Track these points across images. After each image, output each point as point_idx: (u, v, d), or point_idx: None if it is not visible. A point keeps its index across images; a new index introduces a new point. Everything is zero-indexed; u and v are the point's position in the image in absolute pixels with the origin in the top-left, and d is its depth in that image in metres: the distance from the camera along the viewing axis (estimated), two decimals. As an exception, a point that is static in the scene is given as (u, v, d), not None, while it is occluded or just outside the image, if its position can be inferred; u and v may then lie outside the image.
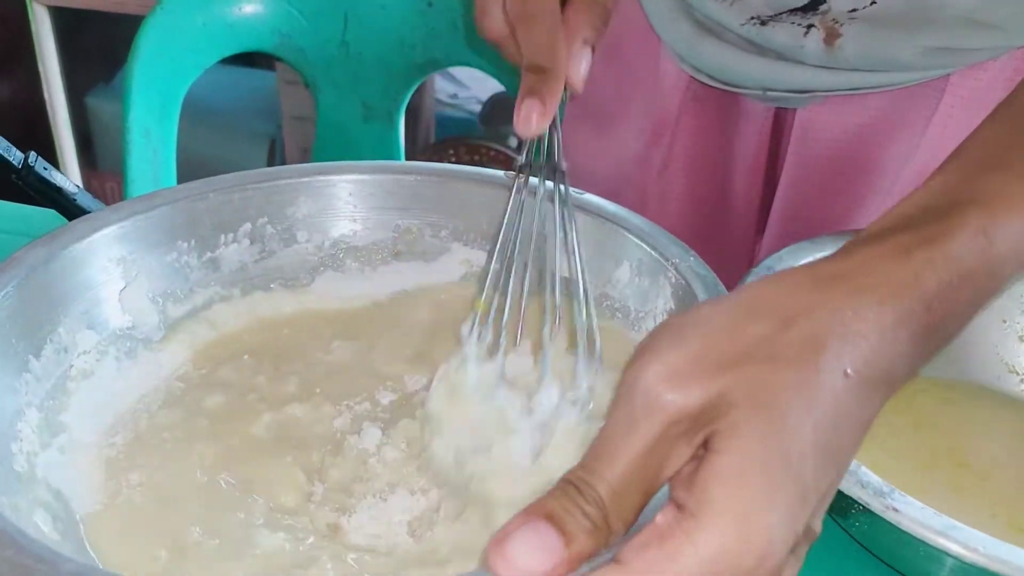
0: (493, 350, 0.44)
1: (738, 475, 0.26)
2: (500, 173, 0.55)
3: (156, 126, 1.01)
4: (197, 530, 0.41)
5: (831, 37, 0.56)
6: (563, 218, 0.47)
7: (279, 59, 1.67)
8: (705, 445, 0.26)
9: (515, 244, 0.46)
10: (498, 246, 0.47)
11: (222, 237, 0.53)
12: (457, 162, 1.69)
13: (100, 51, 1.74)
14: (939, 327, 0.29)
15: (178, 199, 0.51)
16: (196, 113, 1.04)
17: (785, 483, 0.26)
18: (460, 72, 1.92)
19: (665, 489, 0.27)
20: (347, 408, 0.48)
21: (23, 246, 0.46)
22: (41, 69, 1.63)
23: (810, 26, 0.56)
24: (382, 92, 1.04)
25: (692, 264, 0.47)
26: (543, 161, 0.48)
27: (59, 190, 0.58)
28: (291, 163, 1.69)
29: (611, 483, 0.26)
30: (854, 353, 0.27)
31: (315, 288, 0.55)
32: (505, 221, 0.47)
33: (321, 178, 0.55)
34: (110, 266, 0.49)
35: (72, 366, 0.47)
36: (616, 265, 0.51)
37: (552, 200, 0.48)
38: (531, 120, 0.44)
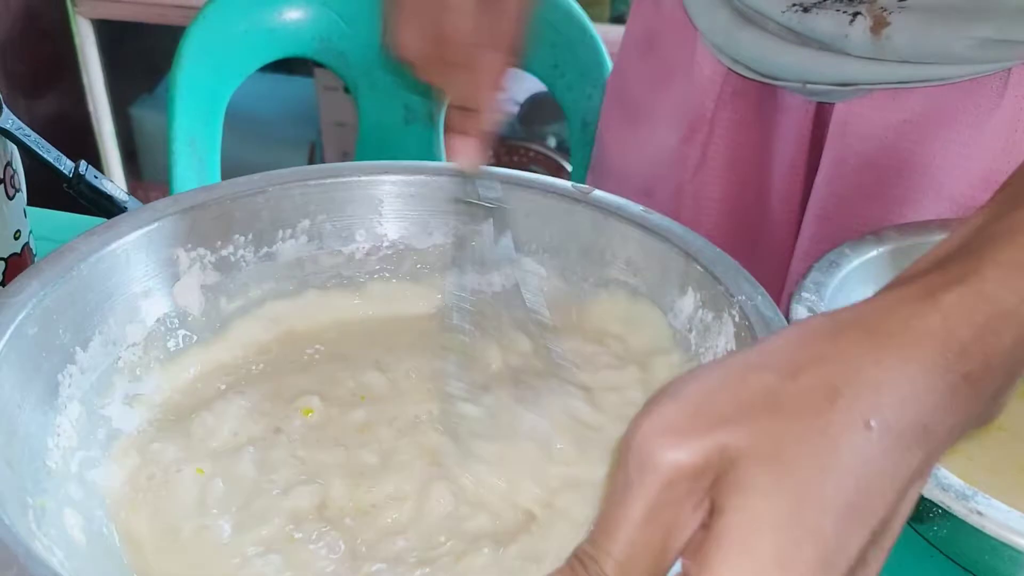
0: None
1: (745, 537, 0.23)
2: (568, 184, 0.54)
3: (201, 134, 1.02)
4: (233, 528, 0.41)
5: (878, 26, 0.54)
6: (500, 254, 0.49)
7: (319, 65, 1.68)
8: (712, 510, 0.24)
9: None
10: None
11: (279, 232, 0.53)
12: (496, 163, 1.69)
13: (142, 62, 1.77)
14: (983, 374, 0.26)
15: (237, 192, 0.51)
16: (236, 121, 1.05)
17: (800, 545, 0.23)
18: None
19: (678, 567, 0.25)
20: (391, 421, 0.48)
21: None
22: (86, 81, 1.66)
23: (856, 14, 0.55)
24: (423, 95, 1.04)
25: (759, 304, 0.44)
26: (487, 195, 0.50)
27: (110, 198, 0.58)
28: (331, 168, 1.69)
29: (615, 557, 0.24)
30: (875, 403, 0.24)
31: (370, 290, 0.55)
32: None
33: (383, 177, 0.54)
34: (165, 258, 0.49)
35: (119, 358, 0.47)
36: (681, 294, 0.49)
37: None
38: (466, 154, 0.47)
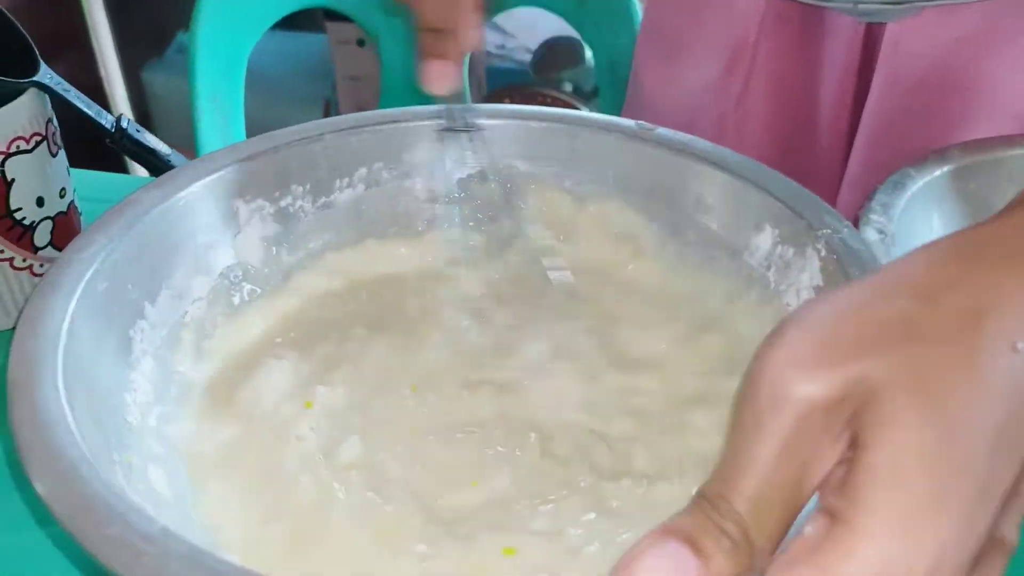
0: None
1: (896, 472, 0.22)
2: (632, 122, 0.52)
3: (223, 90, 1.01)
4: (310, 482, 0.41)
5: (935, -64, 0.53)
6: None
7: (331, 18, 1.66)
8: (853, 444, 0.23)
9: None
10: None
11: (337, 181, 0.52)
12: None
13: (151, 26, 1.75)
14: None
15: (294, 140, 0.50)
16: (249, 80, 1.04)
17: (955, 478, 0.22)
18: (507, 22, 1.89)
19: (814, 502, 0.24)
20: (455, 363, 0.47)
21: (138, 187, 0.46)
22: (96, 47, 1.64)
23: None
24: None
25: (846, 236, 0.43)
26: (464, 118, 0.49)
27: (152, 151, 0.58)
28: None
29: (748, 495, 0.23)
30: (1022, 325, 0.23)
31: (429, 237, 0.54)
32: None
33: (441, 122, 0.53)
34: (225, 210, 0.48)
35: (187, 313, 0.46)
36: (757, 231, 0.47)
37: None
38: (442, 79, 0.45)
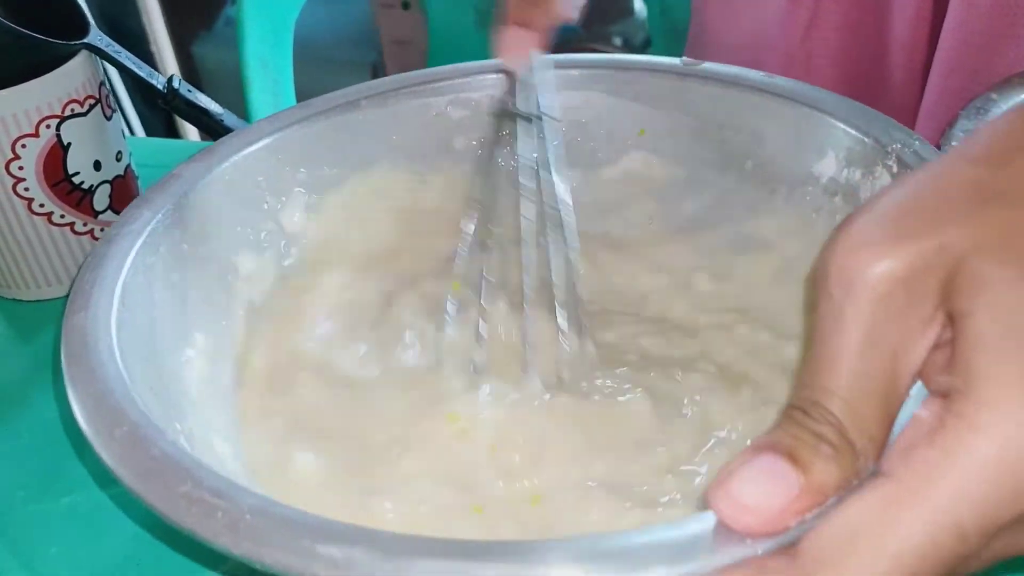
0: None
1: (1006, 332, 0.20)
2: (675, 60, 0.50)
3: (271, 55, 1.00)
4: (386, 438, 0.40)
5: None
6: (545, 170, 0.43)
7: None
8: (951, 320, 0.21)
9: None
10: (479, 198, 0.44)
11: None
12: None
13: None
14: None
15: (332, 109, 0.49)
16: (295, 47, 1.03)
17: None
18: (553, -22, 1.86)
19: (915, 397, 0.22)
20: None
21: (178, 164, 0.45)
22: (146, 22, 1.65)
23: None
24: (493, -8, 1.01)
25: (918, 149, 0.40)
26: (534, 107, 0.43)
27: (205, 111, 0.57)
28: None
29: (839, 393, 0.21)
30: None
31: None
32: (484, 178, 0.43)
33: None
34: (271, 181, 0.47)
35: (232, 287, 0.45)
36: (819, 156, 0.45)
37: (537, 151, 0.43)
38: (521, 50, 0.40)
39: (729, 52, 0.68)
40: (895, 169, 0.41)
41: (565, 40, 1.72)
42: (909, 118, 0.64)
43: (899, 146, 0.41)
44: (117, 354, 0.34)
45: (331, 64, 1.74)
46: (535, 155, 0.43)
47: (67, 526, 0.42)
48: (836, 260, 0.22)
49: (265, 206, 0.47)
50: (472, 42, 1.06)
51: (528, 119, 0.42)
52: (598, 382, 0.42)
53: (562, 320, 0.42)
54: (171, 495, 0.28)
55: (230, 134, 0.48)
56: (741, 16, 0.67)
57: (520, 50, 0.41)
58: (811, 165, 0.46)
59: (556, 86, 0.49)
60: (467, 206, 0.46)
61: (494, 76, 0.50)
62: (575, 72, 0.51)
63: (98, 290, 0.36)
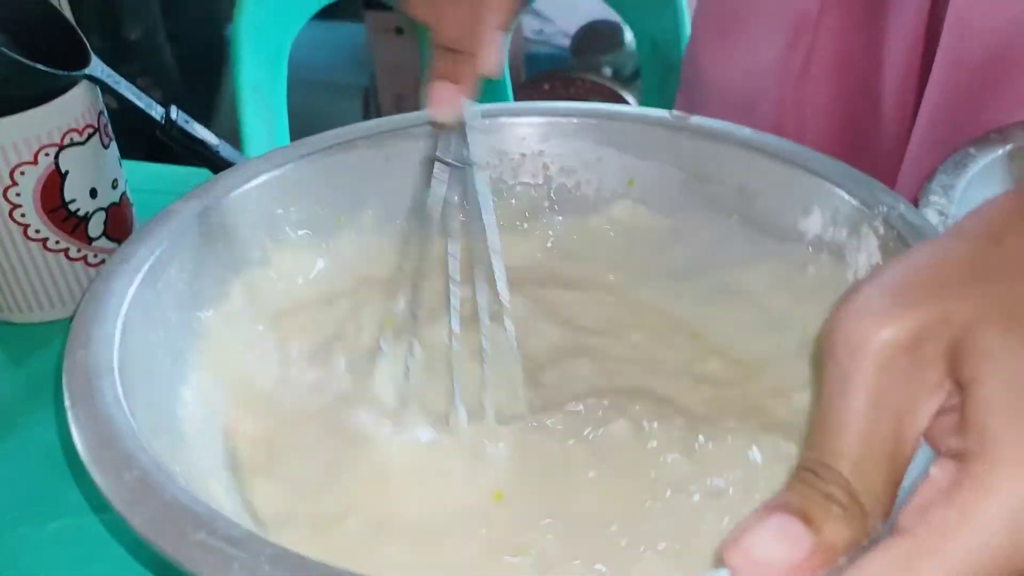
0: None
1: (1013, 398, 0.21)
2: (665, 113, 0.51)
3: (266, 81, 1.01)
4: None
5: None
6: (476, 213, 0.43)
7: (376, 4, 1.66)
8: (958, 386, 0.23)
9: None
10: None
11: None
12: (553, 96, 1.66)
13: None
14: None
15: (328, 148, 0.49)
16: (289, 70, 1.04)
17: None
18: (545, 6, 1.88)
19: (921, 462, 0.23)
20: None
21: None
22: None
23: None
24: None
25: (904, 212, 0.41)
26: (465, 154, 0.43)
27: (202, 143, 0.58)
28: (385, 113, 1.69)
29: (847, 455, 0.22)
30: None
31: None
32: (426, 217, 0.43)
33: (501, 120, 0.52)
34: (265, 219, 0.47)
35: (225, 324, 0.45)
36: (805, 214, 0.46)
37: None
38: (449, 105, 0.41)
39: (723, 96, 0.70)
40: (881, 231, 0.42)
41: (557, 70, 1.73)
42: (897, 165, 0.65)
43: (885, 208, 0.42)
44: (121, 394, 0.34)
45: (324, 87, 1.75)
46: (467, 202, 0.44)
47: (57, 551, 0.42)
48: (842, 328, 0.23)
49: (258, 245, 0.48)
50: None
51: (460, 167, 0.43)
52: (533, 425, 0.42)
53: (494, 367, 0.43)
54: (185, 543, 0.28)
55: (227, 170, 0.48)
56: (736, 61, 0.68)
57: (448, 103, 0.41)
58: (797, 222, 0.47)
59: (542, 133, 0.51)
60: (402, 260, 0.47)
61: (488, 121, 0.51)
62: (565, 120, 0.52)
63: (98, 328, 0.37)
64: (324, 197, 0.50)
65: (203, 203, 0.45)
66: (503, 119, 0.52)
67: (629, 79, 1.75)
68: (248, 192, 0.47)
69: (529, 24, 1.89)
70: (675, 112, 0.51)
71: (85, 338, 0.36)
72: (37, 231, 0.53)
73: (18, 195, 0.51)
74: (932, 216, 0.46)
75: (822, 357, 0.24)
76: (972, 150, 0.50)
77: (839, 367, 0.23)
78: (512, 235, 0.53)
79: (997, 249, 0.23)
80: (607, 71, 1.75)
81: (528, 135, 0.52)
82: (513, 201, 0.53)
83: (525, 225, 0.53)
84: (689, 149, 0.50)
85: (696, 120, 0.50)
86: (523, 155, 0.52)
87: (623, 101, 1.66)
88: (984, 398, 0.21)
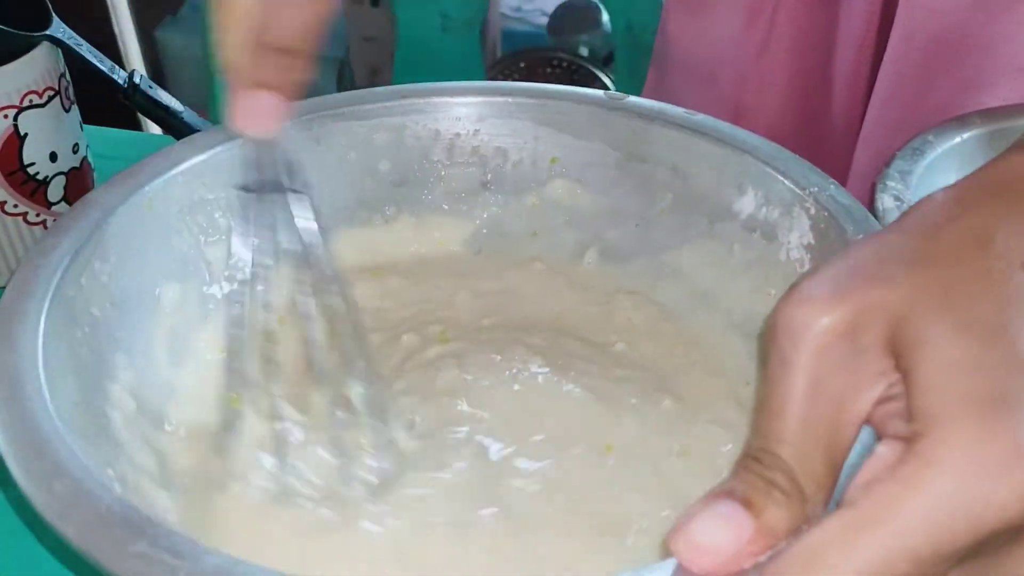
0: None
1: (951, 381, 0.22)
2: (600, 93, 0.51)
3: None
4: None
5: None
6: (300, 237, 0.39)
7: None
8: (899, 372, 0.23)
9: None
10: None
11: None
12: (529, 75, 1.66)
13: (165, -17, 1.74)
14: None
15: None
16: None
17: (1009, 378, 0.21)
18: (523, -17, 1.87)
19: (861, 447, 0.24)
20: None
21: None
22: (110, 5, 1.63)
23: None
24: (461, 1, 1.02)
25: (834, 193, 0.43)
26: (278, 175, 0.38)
27: (166, 108, 0.57)
28: (361, 85, 1.68)
29: (787, 441, 0.23)
30: None
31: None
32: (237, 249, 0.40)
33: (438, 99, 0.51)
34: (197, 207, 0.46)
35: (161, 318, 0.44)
36: (739, 193, 0.47)
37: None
38: (268, 118, 0.35)
39: (688, 68, 0.70)
40: (812, 211, 0.43)
41: (533, 48, 1.73)
42: (850, 142, 0.67)
43: (816, 189, 0.43)
44: (47, 398, 0.32)
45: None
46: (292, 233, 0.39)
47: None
48: (783, 314, 0.24)
49: (186, 234, 0.46)
50: (439, 42, 1.06)
51: (278, 192, 0.38)
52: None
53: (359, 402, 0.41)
54: (125, 555, 0.27)
55: (151, 155, 0.46)
56: (701, 34, 0.69)
57: (263, 117, 0.35)
58: (731, 202, 0.48)
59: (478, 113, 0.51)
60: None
61: (423, 101, 0.51)
62: (501, 100, 0.52)
63: (21, 326, 0.35)
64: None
65: (127, 189, 0.43)
66: (439, 99, 0.52)
67: (606, 59, 1.74)
68: (174, 178, 0.45)
69: (507, 1, 1.88)
70: (611, 92, 0.52)
71: (7, 338, 0.35)
72: (-5, 193, 0.52)
73: (-24, 156, 0.51)
74: (888, 201, 0.47)
75: (766, 343, 0.24)
76: (930, 136, 0.51)
77: (779, 353, 0.24)
78: (447, 216, 0.53)
79: (934, 240, 0.24)
80: (584, 51, 1.75)
81: (464, 115, 0.52)
82: (451, 183, 0.53)
83: (463, 207, 0.54)
84: (624, 129, 0.50)
85: (631, 100, 0.51)
86: (458, 135, 0.52)
87: (599, 80, 1.66)
88: (924, 383, 0.22)
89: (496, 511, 0.38)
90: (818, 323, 0.23)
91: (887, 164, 0.49)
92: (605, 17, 1.69)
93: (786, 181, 0.45)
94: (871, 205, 0.46)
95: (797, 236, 0.45)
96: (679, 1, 0.71)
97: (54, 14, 0.53)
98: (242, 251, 0.40)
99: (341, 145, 0.50)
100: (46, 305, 0.37)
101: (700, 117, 0.49)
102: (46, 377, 0.33)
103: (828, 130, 0.67)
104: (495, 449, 0.41)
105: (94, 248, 0.40)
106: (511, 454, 0.41)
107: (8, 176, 0.52)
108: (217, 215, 0.47)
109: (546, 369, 0.45)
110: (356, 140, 0.51)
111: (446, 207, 0.53)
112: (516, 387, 0.44)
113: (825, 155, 0.67)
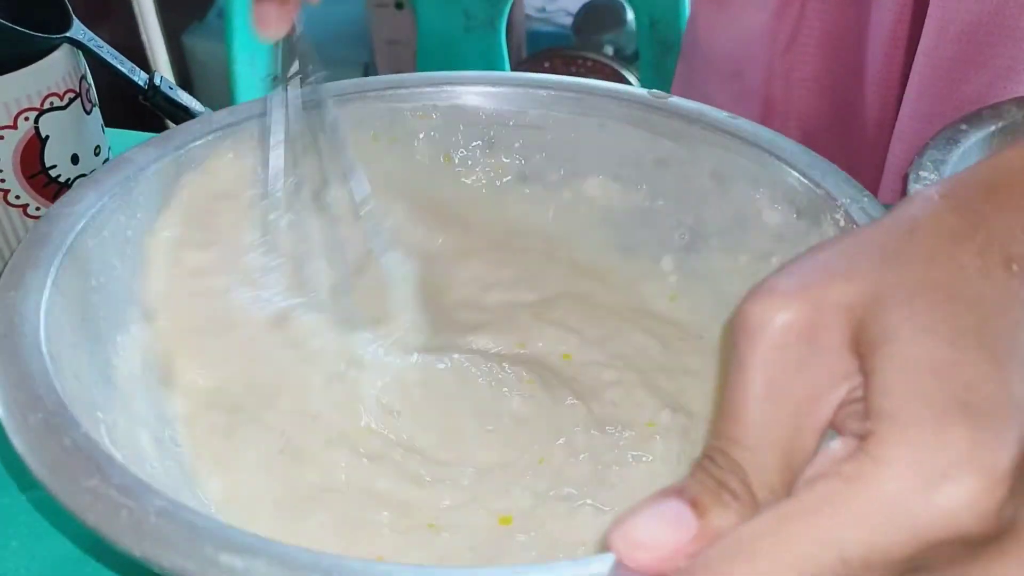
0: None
1: (910, 381, 0.20)
2: (644, 91, 0.50)
3: (261, 50, 1.00)
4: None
5: None
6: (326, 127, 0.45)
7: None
8: (863, 374, 0.22)
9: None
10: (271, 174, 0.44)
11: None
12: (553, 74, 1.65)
13: (192, -10, 1.75)
14: None
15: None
16: (289, 44, 1.03)
17: (976, 388, 0.20)
18: (548, -16, 1.86)
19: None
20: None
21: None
22: (137, 12, 1.64)
23: None
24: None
25: (866, 206, 0.41)
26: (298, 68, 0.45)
27: (186, 109, 0.57)
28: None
29: (745, 444, 0.22)
30: (1011, 245, 0.22)
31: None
32: (271, 144, 0.44)
33: (449, 88, 0.51)
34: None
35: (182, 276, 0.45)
36: (771, 202, 0.45)
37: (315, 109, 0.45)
38: (273, 23, 0.42)
39: (715, 63, 0.69)
40: (842, 223, 0.42)
41: (558, 48, 1.72)
42: (884, 135, 0.65)
43: (848, 200, 0.42)
44: (43, 337, 0.33)
45: (323, 63, 1.74)
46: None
47: (30, 520, 0.42)
48: (741, 311, 0.22)
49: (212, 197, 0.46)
50: (461, 44, 1.06)
51: (303, 81, 0.45)
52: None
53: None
54: (77, 489, 0.27)
55: (179, 125, 0.47)
56: (729, 27, 0.68)
57: (277, 22, 0.42)
58: (762, 210, 0.46)
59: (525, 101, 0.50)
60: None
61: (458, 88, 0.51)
62: (543, 92, 0.51)
63: (32, 271, 0.36)
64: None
65: (160, 152, 0.44)
66: (479, 88, 0.51)
67: (631, 58, 1.73)
68: (209, 142, 0.46)
69: (531, 2, 1.87)
70: (653, 91, 0.50)
71: (17, 279, 0.35)
72: (17, 196, 0.52)
73: (-2, 159, 0.51)
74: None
75: (727, 337, 0.23)
76: (964, 125, 0.50)
77: (737, 351, 0.22)
78: (484, 207, 0.52)
79: (909, 238, 0.22)
80: (608, 50, 1.74)
81: (503, 108, 0.51)
82: (480, 172, 0.52)
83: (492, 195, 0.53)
84: (665, 129, 0.49)
85: (673, 100, 0.50)
86: (497, 124, 0.51)
87: (624, 80, 1.65)
88: (884, 381, 0.21)
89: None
90: (774, 320, 0.22)
91: (919, 154, 0.48)
92: (630, 15, 1.68)
93: (818, 190, 0.43)
94: (904, 195, 0.45)
95: None
96: None
97: (74, 16, 0.53)
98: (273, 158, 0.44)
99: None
100: (61, 253, 0.37)
101: (742, 121, 0.47)
102: (47, 321, 0.34)
103: (860, 124, 0.66)
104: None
105: (121, 201, 0.41)
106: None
107: (30, 179, 0.52)
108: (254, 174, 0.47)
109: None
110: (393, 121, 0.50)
111: (482, 197, 0.52)
112: None
113: (859, 150, 0.66)
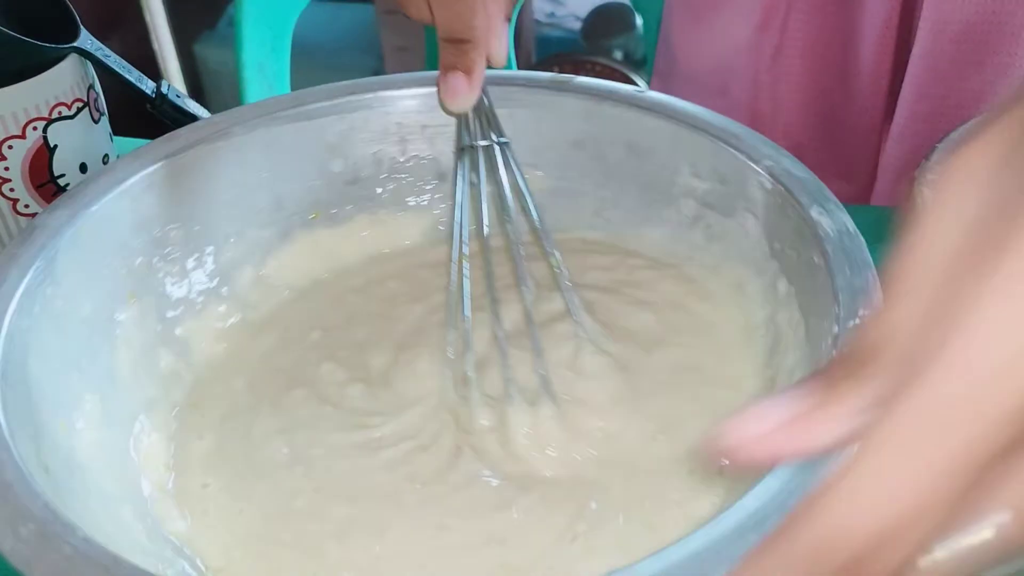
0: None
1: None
2: (548, 75, 0.51)
3: (269, 60, 1.01)
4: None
5: None
6: (518, 188, 0.45)
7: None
8: None
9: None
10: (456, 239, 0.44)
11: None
12: (562, 80, 1.65)
13: (203, -1, 1.76)
14: None
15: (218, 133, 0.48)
16: (296, 52, 1.04)
17: None
18: (557, -11, 1.87)
19: None
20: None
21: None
22: (149, 20, 1.65)
23: None
24: (491, 5, 1.01)
25: (788, 165, 0.41)
26: (484, 135, 0.46)
27: (193, 117, 0.57)
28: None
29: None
30: None
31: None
32: (458, 207, 0.44)
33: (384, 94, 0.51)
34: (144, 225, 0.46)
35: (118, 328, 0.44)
36: (693, 169, 0.46)
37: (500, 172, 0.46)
38: (458, 92, 0.43)
39: (698, 80, 0.69)
40: (768, 185, 0.42)
41: (567, 53, 1.72)
42: (875, 139, 0.65)
43: (770, 162, 0.42)
44: (8, 437, 0.31)
45: (332, 70, 1.74)
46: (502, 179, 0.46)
47: None
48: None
49: (137, 254, 0.45)
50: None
51: (487, 147, 0.45)
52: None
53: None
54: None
55: (92, 173, 0.46)
56: (708, 44, 0.68)
57: (462, 93, 0.43)
58: (686, 177, 0.47)
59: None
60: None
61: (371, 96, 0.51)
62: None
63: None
64: (201, 195, 0.48)
65: (70, 212, 0.42)
66: (384, 93, 0.51)
67: (640, 63, 1.73)
68: (115, 199, 0.44)
69: (540, 7, 1.88)
70: (560, 75, 0.51)
71: None
72: (26, 206, 0.53)
73: (6, 169, 0.51)
74: (928, 193, 0.45)
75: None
76: (971, 127, 0.49)
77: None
78: (405, 212, 0.53)
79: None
80: (617, 55, 1.74)
81: (413, 107, 0.52)
82: (404, 176, 0.53)
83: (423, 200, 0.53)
84: (576, 110, 0.49)
85: (580, 80, 0.50)
86: (410, 127, 0.52)
87: (633, 84, 1.65)
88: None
89: None
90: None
91: (927, 156, 0.47)
92: (638, 20, 1.68)
93: (739, 154, 0.44)
94: (910, 199, 0.45)
95: (754, 210, 0.44)
96: (683, 10, 0.69)
97: (82, 26, 0.54)
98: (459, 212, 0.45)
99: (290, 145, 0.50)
100: (0, 340, 0.35)
101: (651, 93, 0.48)
102: (6, 418, 0.32)
103: (850, 128, 0.66)
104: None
105: (46, 274, 0.39)
106: None
107: (39, 188, 0.53)
108: (170, 226, 0.46)
109: None
110: (303, 139, 0.51)
111: (403, 204, 0.53)
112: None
113: (849, 153, 0.66)
